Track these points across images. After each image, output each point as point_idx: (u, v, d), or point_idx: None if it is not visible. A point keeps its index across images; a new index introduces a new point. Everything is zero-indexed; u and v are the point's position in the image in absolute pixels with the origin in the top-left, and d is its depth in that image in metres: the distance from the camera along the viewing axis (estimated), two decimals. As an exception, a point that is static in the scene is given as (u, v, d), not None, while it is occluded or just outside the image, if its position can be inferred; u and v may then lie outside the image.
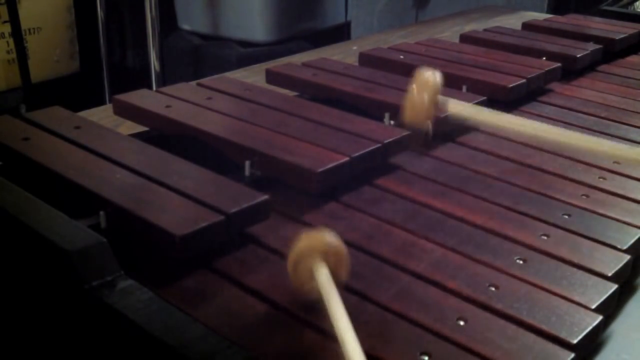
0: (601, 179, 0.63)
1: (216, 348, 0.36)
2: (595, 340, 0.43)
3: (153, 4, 1.76)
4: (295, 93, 0.80)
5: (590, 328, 0.42)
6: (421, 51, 0.93)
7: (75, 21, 1.95)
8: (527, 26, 1.13)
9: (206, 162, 0.55)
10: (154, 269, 0.47)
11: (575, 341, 0.41)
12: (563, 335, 0.41)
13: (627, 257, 0.50)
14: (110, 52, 2.01)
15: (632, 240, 0.52)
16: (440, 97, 0.55)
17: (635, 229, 0.54)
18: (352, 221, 0.54)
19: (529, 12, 1.48)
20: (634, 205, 0.58)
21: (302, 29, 1.99)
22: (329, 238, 0.41)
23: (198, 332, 0.37)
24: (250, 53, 1.89)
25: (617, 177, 0.63)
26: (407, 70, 0.84)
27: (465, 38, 1.04)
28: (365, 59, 0.92)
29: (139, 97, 0.71)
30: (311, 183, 0.56)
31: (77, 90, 1.94)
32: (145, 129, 0.69)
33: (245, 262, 0.48)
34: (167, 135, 0.66)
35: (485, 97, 0.75)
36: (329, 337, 0.37)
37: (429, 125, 0.55)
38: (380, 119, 0.70)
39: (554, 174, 0.63)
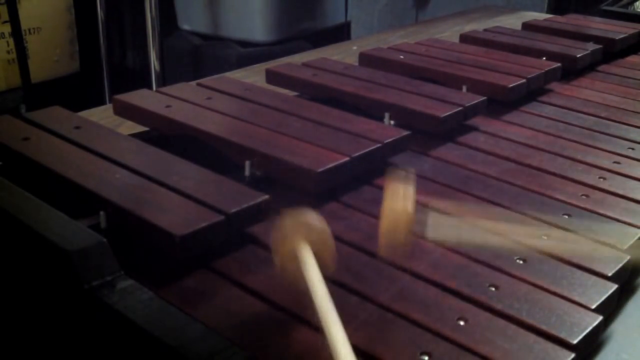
0: (601, 179, 0.63)
1: (216, 348, 0.35)
2: (595, 341, 0.43)
3: (153, 4, 1.76)
4: (295, 93, 0.80)
5: (590, 328, 0.42)
6: (421, 51, 0.93)
7: (75, 21, 1.94)
8: (527, 26, 1.13)
9: (206, 162, 0.55)
10: (154, 269, 0.47)
11: (575, 341, 0.41)
12: (563, 335, 0.41)
13: (627, 257, 0.50)
14: (110, 52, 2.01)
15: (632, 240, 0.52)
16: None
17: (635, 229, 0.54)
18: (352, 221, 0.54)
19: (529, 12, 1.48)
20: (634, 205, 0.58)
21: (302, 29, 1.99)
22: (310, 218, 0.41)
23: (198, 332, 0.37)
24: (250, 53, 1.88)
25: (617, 177, 0.63)
26: (407, 70, 0.85)
27: (465, 38, 1.04)
28: (365, 59, 0.92)
29: (139, 97, 0.71)
30: (311, 183, 0.56)
31: (77, 90, 1.94)
32: (145, 129, 0.69)
33: (245, 262, 0.48)
34: (167, 135, 0.66)
35: (485, 97, 0.75)
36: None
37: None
38: (380, 119, 0.70)
39: (554, 174, 0.63)
